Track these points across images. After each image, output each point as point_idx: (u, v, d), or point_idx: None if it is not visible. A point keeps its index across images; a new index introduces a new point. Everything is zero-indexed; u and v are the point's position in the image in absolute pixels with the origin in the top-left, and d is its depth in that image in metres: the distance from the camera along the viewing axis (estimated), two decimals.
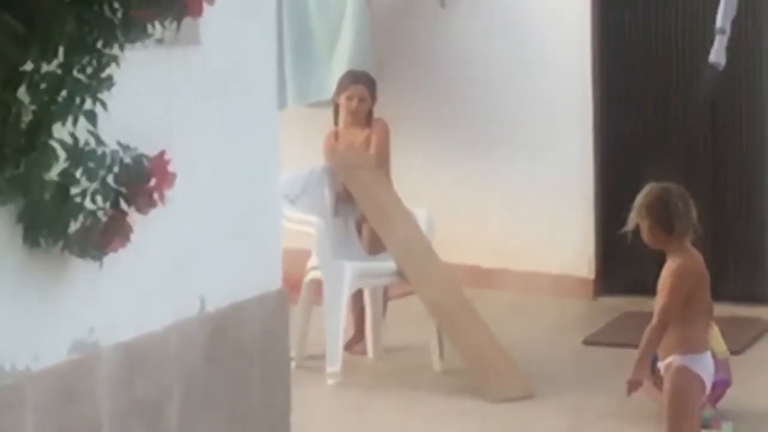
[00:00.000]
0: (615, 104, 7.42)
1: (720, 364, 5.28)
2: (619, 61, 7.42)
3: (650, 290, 5.84)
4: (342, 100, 6.18)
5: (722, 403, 5.55)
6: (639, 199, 4.53)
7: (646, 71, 7.32)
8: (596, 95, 7.25)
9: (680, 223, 4.39)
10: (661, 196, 4.46)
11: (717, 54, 5.84)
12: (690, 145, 7.20)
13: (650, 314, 4.65)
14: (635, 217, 4.44)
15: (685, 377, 4.42)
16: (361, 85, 6.13)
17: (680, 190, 4.55)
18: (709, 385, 4.60)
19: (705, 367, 4.50)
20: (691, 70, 6.60)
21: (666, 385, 4.46)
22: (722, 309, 5.56)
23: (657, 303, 4.47)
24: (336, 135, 6.25)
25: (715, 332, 5.31)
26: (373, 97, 6.20)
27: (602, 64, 7.38)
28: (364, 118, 6.17)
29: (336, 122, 6.30)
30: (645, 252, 5.76)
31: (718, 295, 5.19)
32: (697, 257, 4.51)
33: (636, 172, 6.61)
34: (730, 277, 6.72)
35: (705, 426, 5.19)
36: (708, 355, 4.57)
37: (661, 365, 4.50)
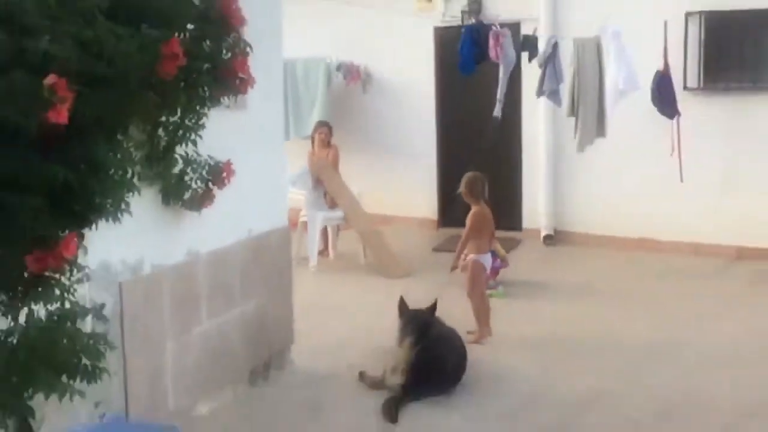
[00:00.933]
0: (446, 131, 10.60)
1: (502, 260, 7.84)
2: (450, 111, 10.53)
3: (463, 224, 8.36)
4: (316, 135, 9.21)
5: (499, 277, 7.96)
6: (463, 179, 6.77)
7: (466, 116, 10.26)
8: (438, 131, 10.55)
9: (477, 191, 6.69)
10: (471, 177, 6.73)
11: (497, 112, 8.18)
12: (483, 150, 9.74)
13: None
14: (461, 186, 6.71)
15: (477, 265, 6.61)
16: (326, 127, 9.06)
17: (481, 175, 6.82)
18: (488, 268, 6.83)
19: (486, 260, 6.71)
20: (486, 118, 8.61)
21: (468, 268, 6.62)
22: (501, 233, 8.04)
23: (465, 230, 6.67)
24: (312, 153, 8.97)
25: (498, 245, 7.74)
26: (331, 133, 9.12)
27: (442, 112, 10.59)
28: (327, 144, 9.04)
29: (312, 146, 9.19)
30: (464, 204, 9.03)
31: (499, 226, 7.69)
32: (486, 208, 6.76)
33: (458, 164, 9.69)
34: (503, 217, 8.69)
35: (489, 288, 7.44)
36: (489, 255, 6.78)
37: (467, 259, 6.64)
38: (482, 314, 6.53)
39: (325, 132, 9.33)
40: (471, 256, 6.61)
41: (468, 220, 6.71)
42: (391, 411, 5.17)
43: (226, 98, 4.41)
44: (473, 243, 6.65)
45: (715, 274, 8.52)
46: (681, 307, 7.37)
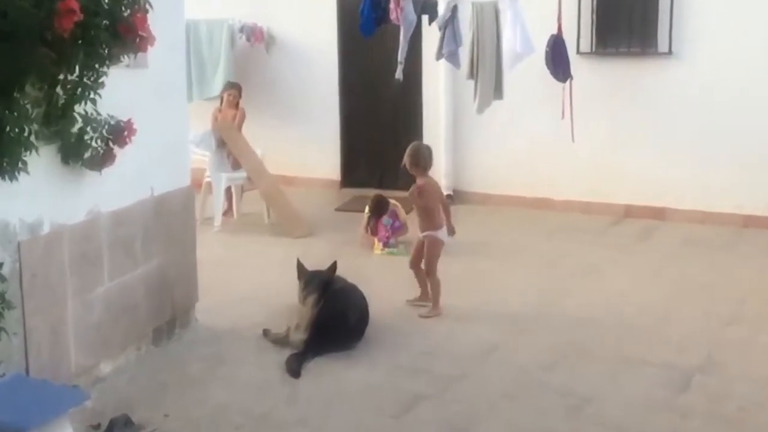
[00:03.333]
0: (349, 93, 10.61)
1: (403, 224, 7.99)
2: (352, 73, 10.55)
3: (365, 185, 8.76)
4: (225, 95, 9.18)
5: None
6: (408, 150, 6.31)
7: (368, 77, 10.38)
8: (341, 93, 10.54)
9: (425, 161, 6.25)
10: (415, 148, 6.34)
11: (398, 74, 8.10)
12: (385, 112, 10.32)
13: (365, 196, 7.39)
14: (405, 158, 6.24)
15: (436, 242, 6.23)
16: (235, 89, 9.03)
17: (426, 145, 6.49)
18: (444, 242, 6.29)
19: (443, 235, 6.28)
20: (388, 79, 8.61)
21: (426, 247, 6.22)
22: (401, 194, 7.53)
23: (418, 206, 6.27)
24: (219, 111, 8.97)
25: (399, 207, 8.00)
26: (240, 95, 9.11)
27: (344, 73, 10.60)
28: (236, 105, 9.03)
29: (220, 106, 9.17)
30: (364, 168, 8.83)
31: (399, 187, 8.06)
32: (432, 179, 6.40)
33: (360, 126, 10.47)
34: (403, 179, 7.44)
35: (390, 246, 7.79)
36: (444, 229, 6.29)
37: (421, 236, 6.28)
38: (437, 292, 6.23)
39: (234, 93, 9.31)
40: (428, 234, 6.27)
41: (417, 195, 6.27)
42: (294, 366, 5.23)
43: (125, 56, 4.35)
44: (428, 218, 6.27)
45: (604, 231, 8.79)
46: (571, 263, 7.60)
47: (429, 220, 6.23)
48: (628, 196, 9.33)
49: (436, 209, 6.26)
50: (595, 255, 7.86)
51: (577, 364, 5.34)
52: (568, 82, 8.60)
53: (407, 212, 8.12)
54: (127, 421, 4.38)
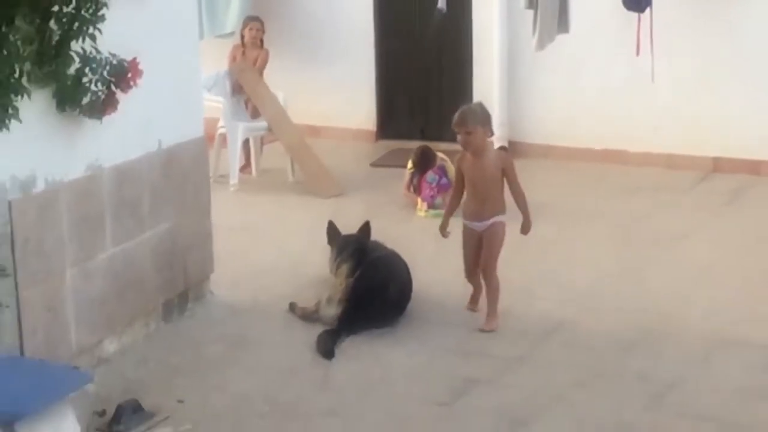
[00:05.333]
0: (386, 28, 10.44)
1: (450, 180, 7.51)
2: (389, 5, 10.38)
3: (404, 136, 8.82)
4: (246, 31, 9.04)
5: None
6: (477, 110, 5.64)
7: (407, 6, 10.25)
8: (376, 29, 10.40)
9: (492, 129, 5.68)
10: (487, 113, 5.67)
11: (441, 3, 8.31)
12: (428, 50, 10.21)
13: (405, 149, 7.67)
14: (470, 123, 5.46)
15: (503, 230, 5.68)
16: (257, 22, 8.95)
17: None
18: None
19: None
20: (431, 10, 8.88)
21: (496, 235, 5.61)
22: (449, 146, 6.66)
23: (509, 179, 5.55)
24: (242, 50, 8.95)
25: (448, 162, 7.80)
26: (263, 30, 9.01)
27: (380, 6, 10.38)
28: (260, 44, 9.01)
29: (242, 44, 9.12)
30: (403, 116, 8.84)
31: (446, 138, 7.19)
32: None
33: (398, 67, 10.39)
34: (450, 129, 6.82)
35: (436, 207, 7.66)
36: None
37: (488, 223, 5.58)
38: (497, 295, 5.69)
39: (255, 28, 9.19)
40: (499, 219, 5.69)
41: (509, 166, 5.73)
42: (327, 346, 5.28)
43: None
44: (499, 196, 5.68)
45: (690, 190, 8.67)
46: (650, 228, 7.51)
47: (500, 200, 5.68)
48: (718, 147, 9.17)
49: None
50: (679, 218, 7.77)
51: (659, 346, 5.31)
52: (646, 12, 8.48)
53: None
54: (136, 408, 4.46)
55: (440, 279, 6.24)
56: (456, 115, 5.56)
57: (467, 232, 5.68)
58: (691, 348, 5.27)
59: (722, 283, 6.29)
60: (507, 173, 5.56)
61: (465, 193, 5.72)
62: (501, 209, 5.65)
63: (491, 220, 5.59)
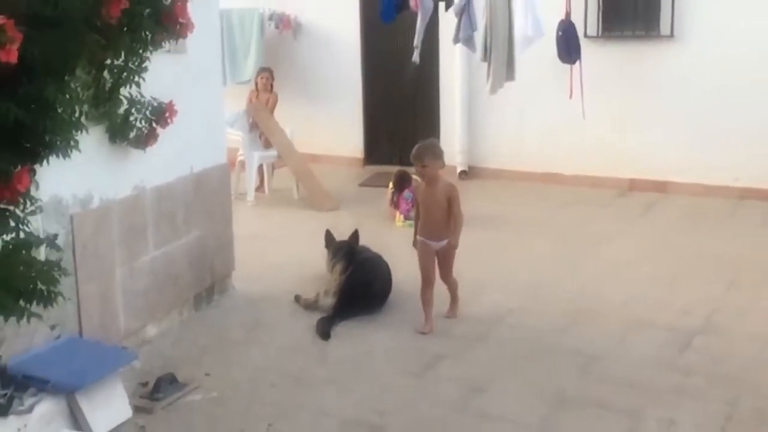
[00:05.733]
0: (370, 76, 10.52)
1: None
2: (374, 57, 10.47)
3: (386, 162, 8.60)
4: (258, 79, 9.13)
5: None
6: (431, 146, 5.21)
7: (388, 59, 10.26)
8: (363, 76, 10.47)
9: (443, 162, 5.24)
10: (440, 149, 5.24)
11: (415, 57, 8.10)
12: (404, 94, 10.26)
13: (386, 173, 7.22)
14: (424, 156, 5.11)
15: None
16: (267, 72, 9.02)
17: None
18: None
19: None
20: (406, 62, 8.51)
21: (448, 251, 5.26)
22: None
23: (451, 207, 5.09)
24: (256, 94, 8.98)
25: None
26: (272, 78, 9.09)
27: (366, 57, 10.50)
28: (270, 88, 9.03)
29: (256, 89, 9.16)
30: (385, 146, 8.70)
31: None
32: None
33: (381, 107, 10.40)
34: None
35: (410, 219, 6.90)
36: None
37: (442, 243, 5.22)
38: (457, 291, 5.56)
39: (266, 76, 9.29)
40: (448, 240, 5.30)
41: (452, 194, 5.23)
42: (324, 329, 5.26)
43: (167, 42, 4.33)
44: (448, 220, 5.24)
45: (611, 204, 8.71)
46: (580, 234, 7.55)
47: (448, 223, 5.26)
48: (632, 170, 9.24)
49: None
50: (603, 226, 7.80)
51: (586, 327, 5.32)
52: (576, 64, 8.54)
53: None
54: (172, 380, 4.44)
55: (415, 276, 6.10)
56: (414, 151, 5.23)
57: (424, 246, 5.30)
58: (612, 328, 5.28)
59: (637, 276, 6.31)
60: (451, 202, 5.17)
61: (421, 214, 5.36)
62: (449, 232, 5.26)
63: (444, 241, 5.26)
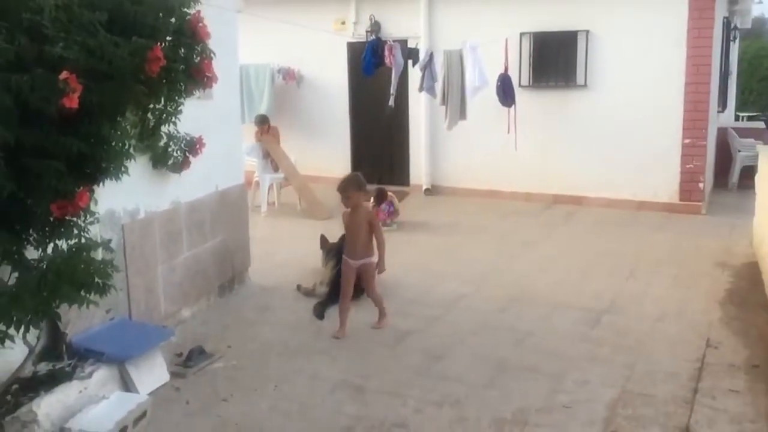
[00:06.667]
0: (356, 116, 10.31)
1: (396, 211, 7.73)
2: (358, 101, 10.22)
3: (368, 182, 8.58)
4: (260, 127, 8.87)
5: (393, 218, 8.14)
6: (353, 179, 4.73)
7: (370, 103, 10.01)
8: (350, 115, 10.22)
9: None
10: (362, 181, 4.75)
11: (390, 102, 8.27)
12: (382, 129, 9.97)
13: (368, 190, 5.96)
14: (350, 189, 4.63)
15: (372, 267, 4.70)
16: (263, 123, 8.85)
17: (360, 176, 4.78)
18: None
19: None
20: (384, 105, 8.75)
21: (369, 269, 4.71)
22: (394, 188, 8.49)
23: (373, 230, 4.61)
24: (259, 134, 8.78)
25: (395, 198, 7.74)
26: (268, 123, 8.88)
27: (353, 101, 10.26)
28: (266, 131, 8.84)
29: (259, 131, 8.92)
30: (367, 169, 8.19)
31: (394, 182, 8.66)
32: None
33: (364, 138, 10.19)
34: (396, 176, 9.45)
35: (387, 226, 7.45)
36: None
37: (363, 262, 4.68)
38: (382, 305, 4.98)
39: (263, 129, 9.12)
40: (368, 260, 4.78)
41: (372, 216, 4.83)
42: (320, 311, 5.20)
43: (197, 91, 4.19)
44: (365, 242, 4.74)
45: (539, 214, 8.70)
46: (516, 237, 7.53)
47: (369, 245, 4.76)
48: (555, 188, 9.25)
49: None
50: (533, 231, 7.79)
51: (521, 308, 5.31)
52: (512, 107, 8.57)
53: (399, 200, 8.06)
54: (201, 351, 4.38)
55: (390, 271, 6.15)
56: (339, 184, 4.71)
57: (346, 265, 4.73)
58: (540, 309, 5.26)
59: (560, 269, 6.28)
60: (371, 225, 4.66)
61: (346, 237, 4.82)
62: (370, 252, 4.70)
63: (362, 261, 4.68)
